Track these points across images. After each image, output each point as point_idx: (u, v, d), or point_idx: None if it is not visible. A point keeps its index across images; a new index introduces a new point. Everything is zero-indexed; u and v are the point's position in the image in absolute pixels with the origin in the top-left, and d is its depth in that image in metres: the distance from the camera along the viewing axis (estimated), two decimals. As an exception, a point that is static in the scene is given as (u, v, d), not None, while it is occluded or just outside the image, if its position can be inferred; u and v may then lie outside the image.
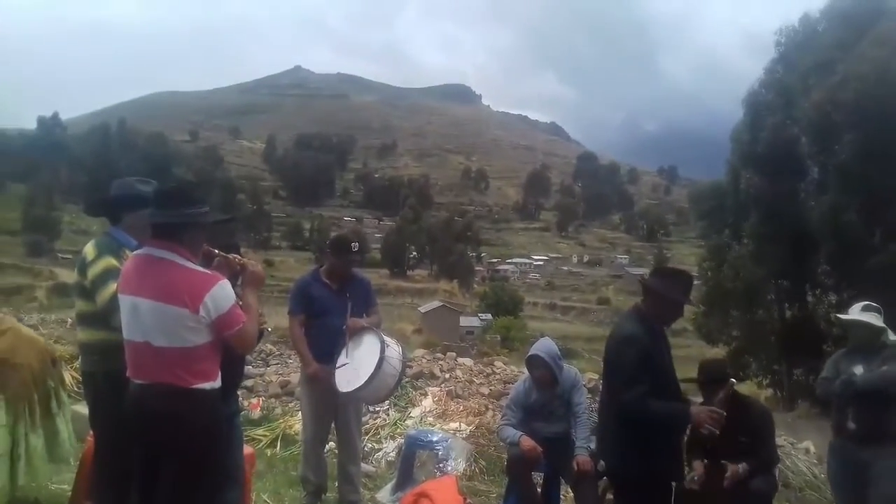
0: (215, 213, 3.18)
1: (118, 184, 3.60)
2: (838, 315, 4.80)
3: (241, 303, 2.97)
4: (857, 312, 4.46)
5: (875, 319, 4.34)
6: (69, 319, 10.29)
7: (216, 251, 3.16)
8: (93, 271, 3.27)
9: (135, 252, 3.01)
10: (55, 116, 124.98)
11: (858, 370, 4.28)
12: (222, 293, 2.82)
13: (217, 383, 2.89)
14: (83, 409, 6.66)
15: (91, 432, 4.15)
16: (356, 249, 5.05)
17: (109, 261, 3.25)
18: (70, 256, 69.21)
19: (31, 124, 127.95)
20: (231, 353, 3.05)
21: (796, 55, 24.22)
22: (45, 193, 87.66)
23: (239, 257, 3.20)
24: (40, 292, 54.34)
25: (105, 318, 3.19)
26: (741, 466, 4.30)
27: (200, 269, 2.90)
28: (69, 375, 7.87)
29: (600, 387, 8.52)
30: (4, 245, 77.88)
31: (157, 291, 2.79)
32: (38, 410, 4.11)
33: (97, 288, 3.22)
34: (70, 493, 4.36)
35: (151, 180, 3.59)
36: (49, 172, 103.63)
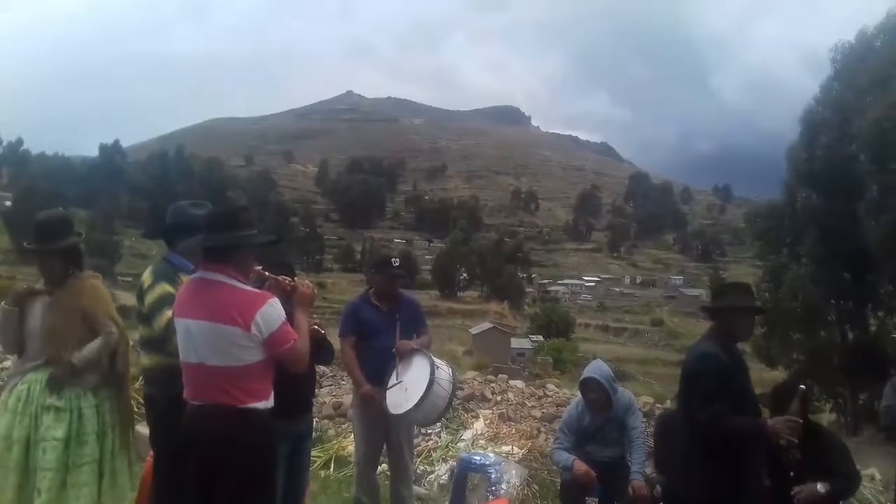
0: (263, 235, 3.26)
1: (173, 209, 3.70)
2: (897, 337, 4.62)
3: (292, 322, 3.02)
4: None
5: None
6: (131, 341, 10.54)
7: (267, 273, 3.24)
8: (149, 298, 3.38)
9: (189, 277, 3.10)
10: (116, 144, 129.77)
11: (922, 395, 4.12)
12: (273, 311, 2.88)
13: (269, 403, 2.94)
14: (144, 429, 6.85)
15: (150, 453, 4.27)
16: (397, 265, 5.08)
17: (164, 287, 3.35)
18: (130, 279, 71.04)
19: (93, 152, 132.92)
20: (298, 377, 3.10)
21: (853, 72, 23.67)
22: (105, 219, 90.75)
23: (289, 279, 3.26)
24: (102, 315, 55.80)
25: (162, 343, 3.29)
26: (821, 485, 3.87)
27: (251, 288, 2.97)
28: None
29: (656, 411, 8.39)
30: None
31: (209, 312, 2.86)
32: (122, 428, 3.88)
33: (153, 314, 3.33)
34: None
35: (206, 203, 3.68)
36: (110, 198, 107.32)
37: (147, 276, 3.46)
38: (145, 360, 3.48)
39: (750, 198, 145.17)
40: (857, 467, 4.66)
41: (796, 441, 3.34)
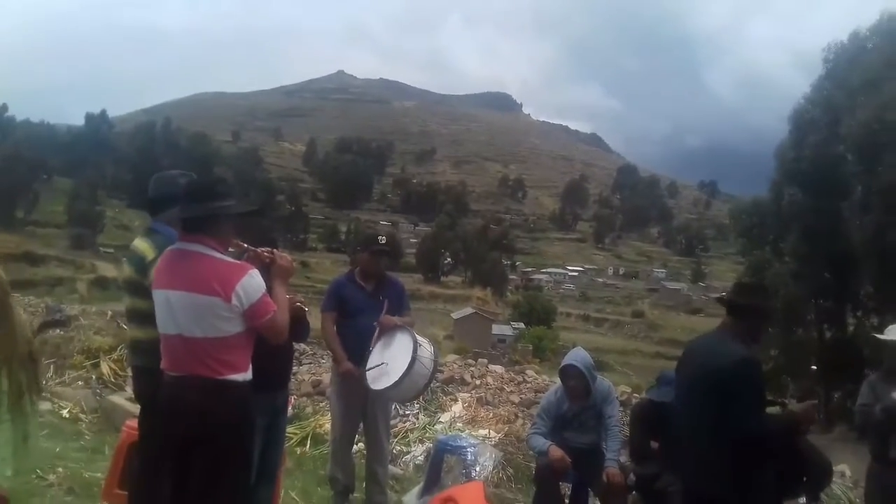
0: (242, 205, 3.23)
1: (159, 178, 3.63)
2: (877, 336, 4.66)
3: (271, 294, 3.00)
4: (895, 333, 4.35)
5: None
6: (109, 312, 10.49)
7: (246, 245, 3.21)
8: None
9: (168, 248, 3.07)
10: (103, 114, 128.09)
11: (897, 395, 4.16)
12: (253, 282, 2.86)
13: (248, 375, 2.92)
14: (119, 399, 6.83)
15: (126, 423, 4.24)
16: (383, 243, 5.09)
17: None
18: (112, 251, 70.84)
19: (79, 120, 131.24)
20: (276, 352, 3.08)
21: (845, 73, 23.76)
22: (89, 188, 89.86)
23: (268, 250, 3.24)
24: (81, 285, 55.66)
25: None
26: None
27: (230, 259, 2.95)
28: (107, 366, 8.05)
29: (633, 400, 8.45)
30: (49, 237, 79.99)
31: (188, 283, 2.84)
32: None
33: None
34: (104, 482, 4.45)
35: (191, 174, 3.63)
36: (94, 168, 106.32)
37: (147, 249, 3.37)
38: (139, 332, 3.41)
39: (736, 194, 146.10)
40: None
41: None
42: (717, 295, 3.76)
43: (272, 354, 3.17)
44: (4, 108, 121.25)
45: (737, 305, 3.46)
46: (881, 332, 4.60)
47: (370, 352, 4.58)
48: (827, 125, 23.20)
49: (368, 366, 4.54)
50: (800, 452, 3.79)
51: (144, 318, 3.37)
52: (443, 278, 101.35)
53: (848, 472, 7.56)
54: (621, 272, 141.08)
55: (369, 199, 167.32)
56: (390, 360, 4.43)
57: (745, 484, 3.25)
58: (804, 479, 3.92)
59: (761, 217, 26.18)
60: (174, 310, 2.87)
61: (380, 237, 5.12)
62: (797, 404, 3.52)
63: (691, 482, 3.50)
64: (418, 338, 4.46)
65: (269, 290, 3.00)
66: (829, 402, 23.92)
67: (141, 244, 3.44)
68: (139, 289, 3.37)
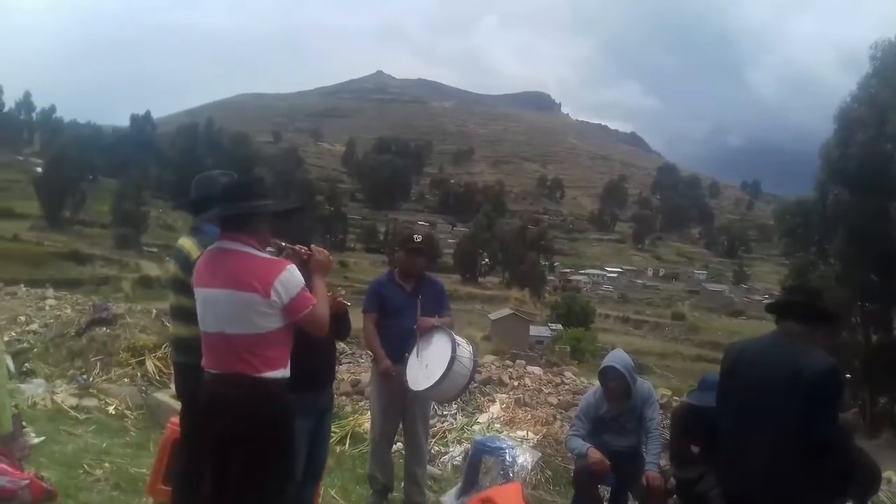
0: (279, 203, 3.29)
1: (201, 178, 3.71)
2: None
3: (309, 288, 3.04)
4: None
5: None
6: (154, 310, 10.71)
7: (283, 243, 3.26)
8: None
9: (207, 248, 3.13)
10: (147, 115, 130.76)
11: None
12: (291, 277, 2.90)
13: (286, 373, 2.95)
14: (164, 396, 6.98)
15: (171, 420, 4.33)
16: (418, 241, 5.12)
17: None
18: (156, 250, 72.24)
19: (124, 121, 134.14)
20: (319, 350, 3.12)
21: (892, 71, 23.16)
22: (134, 188, 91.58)
23: (304, 247, 3.27)
24: (126, 283, 56.77)
25: None
26: None
27: (268, 256, 3.00)
28: (152, 364, 8.21)
29: (673, 403, 8.34)
30: (95, 237, 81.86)
31: (227, 280, 2.89)
32: None
33: None
34: (149, 477, 4.55)
35: (232, 173, 3.70)
36: (139, 168, 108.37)
37: (192, 248, 3.45)
38: (185, 330, 3.48)
39: (779, 194, 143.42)
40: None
41: None
42: (779, 299, 3.55)
43: (315, 353, 3.22)
44: (52, 109, 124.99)
45: (805, 309, 3.36)
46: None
47: (410, 352, 4.61)
48: (874, 124, 22.63)
49: (408, 366, 4.57)
50: (849, 457, 3.70)
51: (188, 315, 3.43)
52: (480, 279, 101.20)
53: (894, 479, 7.38)
54: (661, 273, 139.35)
55: (407, 199, 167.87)
56: (429, 361, 4.45)
57: (810, 490, 3.17)
58: (852, 484, 3.84)
59: (806, 217, 25.63)
60: (214, 307, 2.92)
61: (416, 236, 5.17)
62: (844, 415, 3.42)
63: (746, 487, 3.37)
64: (457, 338, 4.48)
65: (308, 284, 3.05)
66: (875, 407, 23.36)
67: (186, 243, 3.52)
68: (184, 287, 3.44)
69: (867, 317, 24.64)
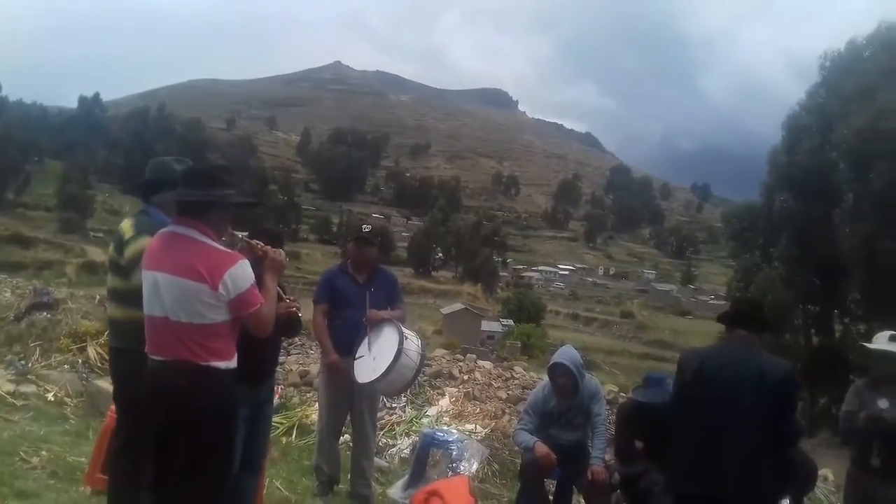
0: (241, 196, 3.22)
1: (154, 163, 3.63)
2: (864, 344, 4.68)
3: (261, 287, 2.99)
4: (884, 342, 4.34)
5: None
6: (97, 296, 10.45)
7: (239, 235, 3.20)
8: (130, 250, 3.30)
9: (161, 230, 3.06)
10: (96, 97, 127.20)
11: (883, 404, 4.17)
12: (242, 272, 2.85)
13: (232, 364, 2.90)
14: (105, 384, 6.80)
15: (112, 407, 4.22)
16: (367, 231, 5.11)
17: (147, 240, 3.28)
18: (101, 235, 70.42)
19: (72, 103, 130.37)
20: (264, 342, 3.07)
21: (840, 80, 23.81)
22: (81, 172, 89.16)
23: (261, 244, 3.22)
24: (70, 268, 55.34)
25: (139, 297, 3.23)
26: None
27: (222, 247, 2.94)
28: (94, 351, 8.01)
29: (619, 399, 8.47)
30: (38, 220, 79.44)
31: (177, 267, 2.83)
32: None
33: (133, 267, 3.25)
34: (87, 466, 4.44)
35: (187, 160, 3.62)
36: (86, 152, 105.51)
37: (128, 228, 3.38)
38: (116, 312, 3.41)
39: (728, 198, 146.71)
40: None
41: None
42: (727, 311, 3.81)
43: (258, 345, 3.16)
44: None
45: (754, 319, 3.72)
46: (868, 339, 4.62)
47: (359, 345, 4.59)
48: (820, 132, 23.25)
49: (356, 358, 4.55)
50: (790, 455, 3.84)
51: (119, 296, 3.36)
52: (433, 273, 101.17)
53: (831, 477, 7.61)
54: (611, 272, 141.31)
55: (362, 191, 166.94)
56: (377, 353, 4.44)
57: (777, 485, 3.52)
58: (791, 481, 3.95)
59: (753, 221, 26.26)
60: (161, 292, 2.85)
61: (365, 226, 5.15)
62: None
63: (720, 486, 3.51)
64: (405, 331, 4.48)
65: (260, 282, 3.00)
66: (814, 406, 24.06)
67: (125, 223, 3.45)
68: (116, 267, 3.37)
69: (809, 319, 25.36)
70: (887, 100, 20.28)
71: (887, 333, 4.39)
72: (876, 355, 4.35)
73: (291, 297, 3.59)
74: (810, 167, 22.67)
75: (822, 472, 7.50)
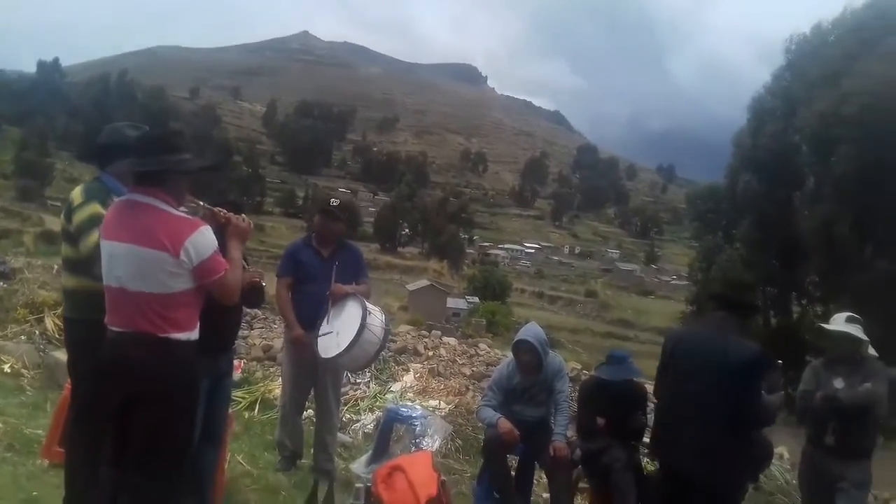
0: (198, 160, 3.13)
1: (108, 129, 3.53)
2: (822, 325, 4.79)
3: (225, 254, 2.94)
4: (841, 323, 4.44)
5: (858, 332, 4.33)
6: (55, 266, 10.22)
7: (201, 203, 3.13)
8: (78, 217, 3.21)
9: (118, 199, 2.97)
10: (55, 62, 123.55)
11: (839, 383, 4.27)
12: (203, 239, 2.79)
13: (194, 335, 2.85)
14: (63, 355, 6.67)
15: (69, 379, 4.13)
16: (335, 205, 5.07)
17: (95, 207, 3.19)
18: (59, 204, 68.70)
19: (30, 68, 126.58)
20: (223, 314, 3.01)
21: (805, 64, 24.08)
22: (39, 139, 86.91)
23: (223, 210, 3.16)
24: (28, 237, 54.01)
25: (88, 265, 3.14)
26: None
27: (182, 214, 2.87)
28: (51, 322, 7.84)
29: (582, 377, 8.55)
30: (-5, 187, 77.35)
31: (136, 235, 2.75)
32: None
33: (82, 234, 3.17)
34: (44, 439, 4.36)
35: (143, 126, 3.52)
36: (45, 118, 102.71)
37: (77, 195, 3.29)
38: (68, 281, 3.33)
39: (693, 179, 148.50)
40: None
41: None
42: (714, 292, 3.97)
43: (218, 317, 3.10)
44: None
45: (735, 302, 3.80)
46: (825, 321, 4.72)
47: (322, 320, 4.55)
48: (784, 115, 23.56)
49: (319, 333, 4.51)
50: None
51: (70, 265, 3.29)
52: (400, 249, 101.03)
53: (786, 455, 7.80)
54: (577, 251, 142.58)
55: (329, 165, 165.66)
56: (340, 328, 4.41)
57: (735, 465, 3.59)
58: (749, 462, 4.04)
59: (716, 203, 26.65)
60: (119, 262, 2.78)
61: (332, 200, 5.14)
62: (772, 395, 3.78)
63: (680, 462, 3.67)
64: (369, 306, 4.45)
65: (223, 249, 2.94)
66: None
67: (76, 190, 3.35)
68: (66, 235, 3.29)
69: (767, 300, 25.85)
70: (851, 84, 20.58)
71: (844, 314, 4.49)
72: (833, 336, 4.44)
73: (254, 268, 3.54)
74: (774, 150, 22.99)
75: (777, 450, 7.69)
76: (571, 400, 5.32)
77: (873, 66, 20.29)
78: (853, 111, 20.01)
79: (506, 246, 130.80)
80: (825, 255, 21.34)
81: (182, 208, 2.95)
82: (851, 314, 4.48)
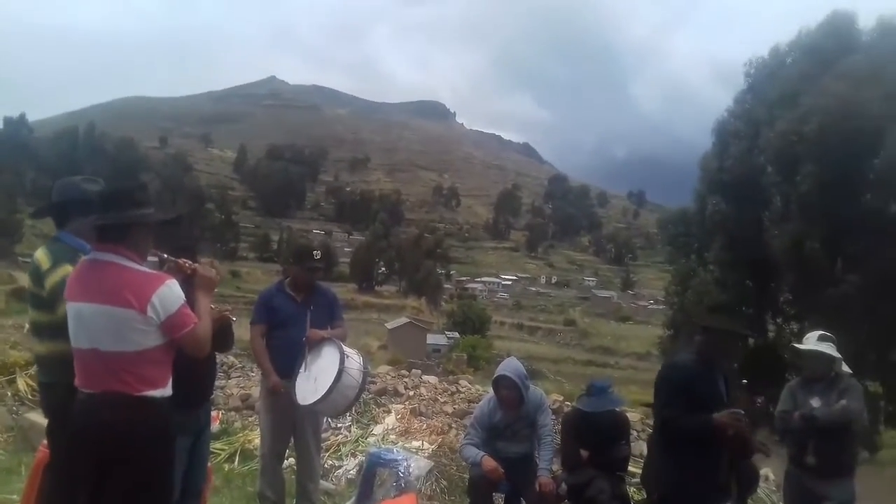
0: (160, 213, 3.10)
1: (61, 184, 3.46)
2: (795, 345, 4.84)
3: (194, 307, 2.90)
4: (813, 342, 4.48)
5: (830, 349, 4.37)
6: (26, 325, 10.04)
7: (165, 255, 3.10)
8: (51, 281, 3.15)
9: (82, 259, 2.93)
10: (22, 117, 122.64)
11: (816, 402, 4.30)
12: (170, 293, 2.75)
13: (167, 391, 2.81)
14: (37, 417, 6.53)
15: (43, 442, 4.04)
16: (318, 258, 5.00)
17: (67, 269, 3.12)
18: (30, 261, 67.91)
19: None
20: (198, 366, 2.97)
21: (765, 86, 24.59)
22: (7, 195, 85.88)
23: (189, 262, 3.12)
24: (-2, 296, 53.03)
25: (65, 328, 3.09)
26: None
27: (147, 269, 2.84)
28: (24, 382, 7.68)
29: (565, 408, 8.54)
30: (-37, 246, 76.12)
31: (102, 294, 2.72)
32: None
33: (57, 298, 3.10)
34: (20, 503, 4.24)
35: (98, 179, 3.47)
36: (13, 174, 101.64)
37: (43, 258, 3.23)
38: (41, 347, 3.26)
39: (663, 204, 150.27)
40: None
41: (744, 429, 3.56)
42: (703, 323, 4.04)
43: (193, 368, 3.06)
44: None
45: (702, 327, 3.86)
46: (800, 339, 4.76)
47: (299, 366, 4.50)
48: (748, 136, 23.94)
49: (297, 380, 4.46)
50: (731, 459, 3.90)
51: (43, 330, 3.22)
52: (377, 288, 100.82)
53: (771, 476, 7.79)
54: (553, 280, 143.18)
55: (302, 207, 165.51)
56: (318, 374, 4.36)
57: (670, 473, 3.70)
58: (734, 484, 4.02)
59: (687, 226, 26.84)
60: (87, 323, 2.74)
61: (315, 252, 5.01)
62: (719, 413, 3.62)
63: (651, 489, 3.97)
64: (346, 349, 4.40)
65: (191, 301, 2.90)
66: (753, 406, 24.63)
67: (39, 253, 3.30)
68: (37, 300, 3.23)
69: (744, 321, 25.97)
70: (809, 103, 21.04)
71: (816, 333, 4.54)
72: (806, 355, 4.48)
73: (227, 307, 3.50)
74: (740, 172, 23.31)
75: (762, 471, 7.68)
76: (555, 433, 5.30)
77: (831, 84, 20.79)
78: (814, 129, 20.44)
79: (483, 279, 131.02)
80: (797, 272, 21.58)
81: (150, 259, 2.93)
82: (824, 332, 4.53)
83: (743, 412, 3.59)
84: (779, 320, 25.42)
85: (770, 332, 25.55)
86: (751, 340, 25.98)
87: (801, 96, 21.71)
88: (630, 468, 5.54)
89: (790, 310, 24.57)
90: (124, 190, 2.99)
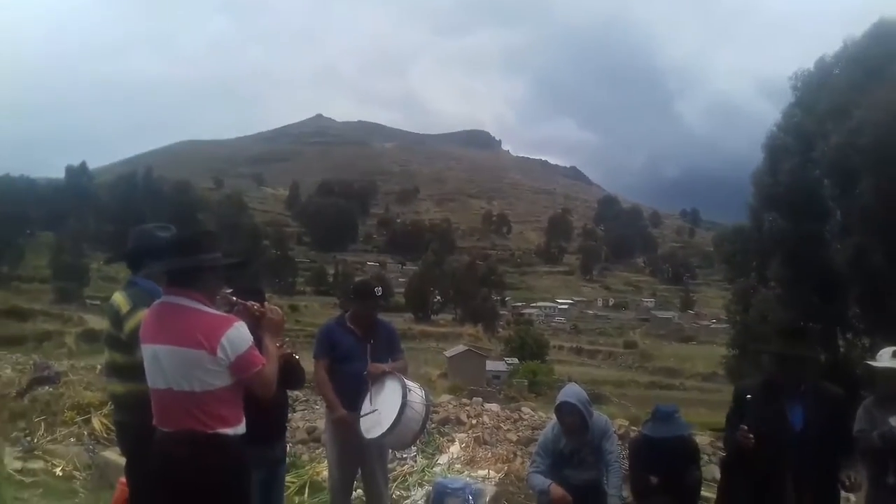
0: (228, 258, 3.24)
1: (137, 232, 3.65)
2: (868, 363, 4.68)
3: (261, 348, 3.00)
4: (887, 359, 4.33)
5: None
6: (98, 366, 10.38)
7: (235, 298, 3.22)
8: (130, 324, 3.30)
9: (154, 302, 3.07)
10: (83, 165, 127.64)
11: (894, 421, 4.17)
12: (238, 335, 2.86)
13: (240, 429, 2.91)
14: (113, 455, 6.74)
15: (121, 479, 4.18)
16: (379, 294, 5.04)
17: (145, 312, 3.29)
18: (98, 303, 70.06)
19: (59, 173, 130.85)
20: (271, 402, 3.07)
21: (813, 99, 24.12)
22: (73, 241, 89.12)
23: (257, 304, 3.23)
24: (69, 338, 54.77)
25: (142, 369, 3.23)
26: None
27: (216, 312, 2.96)
28: (98, 422, 7.93)
29: (631, 433, 8.41)
30: (34, 292, 79.13)
31: (174, 336, 2.84)
32: None
33: (136, 340, 3.25)
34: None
35: (170, 226, 3.64)
36: (77, 220, 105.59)
37: (122, 302, 3.39)
38: (119, 387, 3.40)
39: (718, 221, 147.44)
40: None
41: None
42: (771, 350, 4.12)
43: (267, 405, 3.16)
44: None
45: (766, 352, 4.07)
46: (872, 353, 4.62)
47: (363, 403, 4.56)
48: (800, 151, 23.46)
49: (362, 413, 4.52)
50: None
51: (121, 371, 3.36)
52: (433, 316, 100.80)
53: (853, 499, 7.51)
54: (611, 303, 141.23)
55: (355, 240, 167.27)
56: (382, 408, 4.42)
57: None
58: None
59: (743, 243, 26.32)
60: (162, 364, 2.87)
61: (376, 288, 5.04)
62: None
63: None
64: (408, 383, 4.45)
65: (259, 343, 3.00)
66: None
67: (117, 297, 3.45)
68: (116, 342, 3.37)
69: (813, 337, 25.20)
70: (862, 115, 20.55)
71: (891, 349, 4.39)
72: (881, 373, 4.35)
73: (286, 344, 3.59)
74: (794, 186, 22.82)
75: (843, 495, 7.41)
76: (623, 458, 5.23)
77: (882, 95, 20.28)
78: (868, 142, 19.94)
79: (538, 304, 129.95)
80: (863, 286, 20.93)
81: (222, 305, 3.05)
82: (896, 348, 4.39)
83: (745, 427, 3.79)
84: (849, 335, 24.64)
85: (840, 348, 24.77)
86: (821, 356, 25.27)
87: (852, 107, 21.21)
88: (704, 493, 5.42)
89: (860, 324, 23.79)
90: (193, 236, 3.16)
